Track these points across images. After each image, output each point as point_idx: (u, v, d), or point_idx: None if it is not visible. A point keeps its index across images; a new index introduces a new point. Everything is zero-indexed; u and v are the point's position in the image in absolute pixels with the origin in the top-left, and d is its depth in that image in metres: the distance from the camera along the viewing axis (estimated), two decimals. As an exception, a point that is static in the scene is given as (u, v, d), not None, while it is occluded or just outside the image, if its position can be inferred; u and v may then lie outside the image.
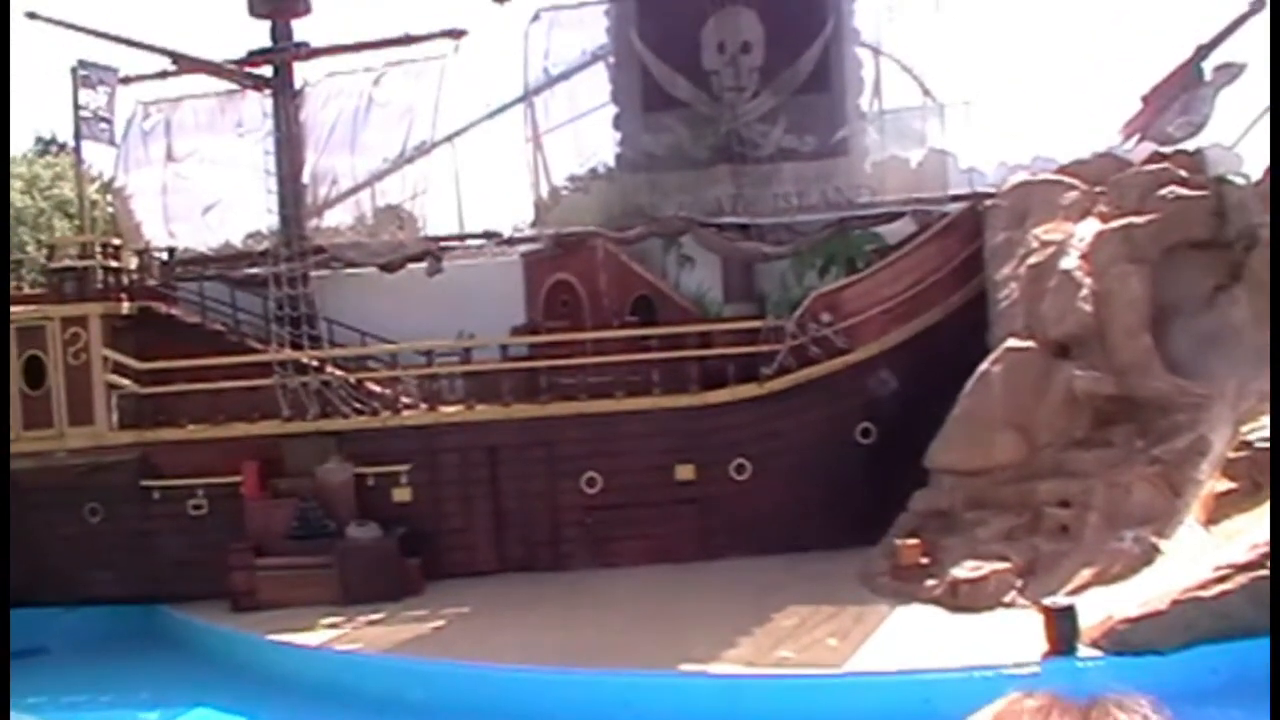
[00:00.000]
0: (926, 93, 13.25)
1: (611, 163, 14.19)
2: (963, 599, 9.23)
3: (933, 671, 7.97)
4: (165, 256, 15.12)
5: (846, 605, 9.90)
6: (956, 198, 12.77)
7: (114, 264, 13.76)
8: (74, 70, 13.10)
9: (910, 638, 9.01)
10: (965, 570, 9.53)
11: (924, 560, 10.04)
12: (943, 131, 13.21)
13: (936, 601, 9.60)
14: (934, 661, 8.19)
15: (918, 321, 12.25)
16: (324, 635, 11.04)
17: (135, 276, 14.40)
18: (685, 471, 12.71)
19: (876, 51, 13.39)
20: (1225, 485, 7.62)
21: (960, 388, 10.98)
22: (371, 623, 11.30)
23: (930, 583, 9.81)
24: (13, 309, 12.81)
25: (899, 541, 10.56)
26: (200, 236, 15.45)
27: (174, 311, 14.63)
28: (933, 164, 13.16)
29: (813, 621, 9.70)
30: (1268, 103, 10.52)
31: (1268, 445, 7.18)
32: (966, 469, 10.71)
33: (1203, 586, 6.48)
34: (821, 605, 10.04)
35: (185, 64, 14.10)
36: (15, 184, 20.50)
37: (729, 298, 13.97)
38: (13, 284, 15.41)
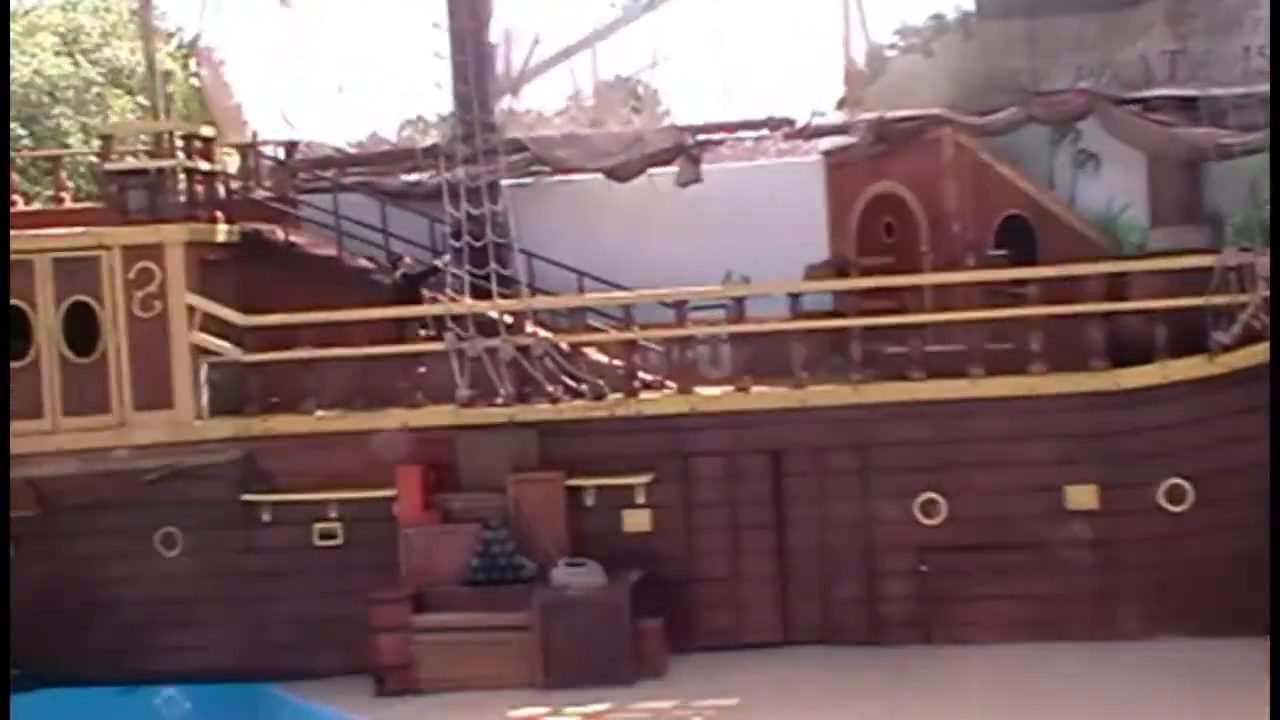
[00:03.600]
0: None
1: (968, 5, 13.61)
2: None
3: None
4: (281, 155, 15.01)
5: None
6: None
7: (203, 165, 13.45)
8: None
9: None
10: None
11: None
12: None
13: None
14: None
15: None
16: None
17: (236, 185, 14.35)
18: (1082, 497, 11.87)
19: None
20: None
21: None
22: (589, 721, 10.55)
23: None
24: (45, 232, 12.49)
25: None
26: (334, 125, 15.80)
27: (296, 239, 15.10)
28: None
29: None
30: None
31: None
32: None
33: None
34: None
35: None
36: (46, 40, 18.15)
37: (1158, 220, 13.14)
38: (50, 194, 15.73)
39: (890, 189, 14.92)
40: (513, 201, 15.11)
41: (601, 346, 13.54)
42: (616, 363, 13.28)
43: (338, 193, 15.24)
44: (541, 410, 13.02)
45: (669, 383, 13.22)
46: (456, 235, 13.63)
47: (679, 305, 13.14)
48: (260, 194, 15.16)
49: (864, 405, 12.45)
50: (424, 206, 15.52)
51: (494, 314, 13.30)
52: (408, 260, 14.79)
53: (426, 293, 14.29)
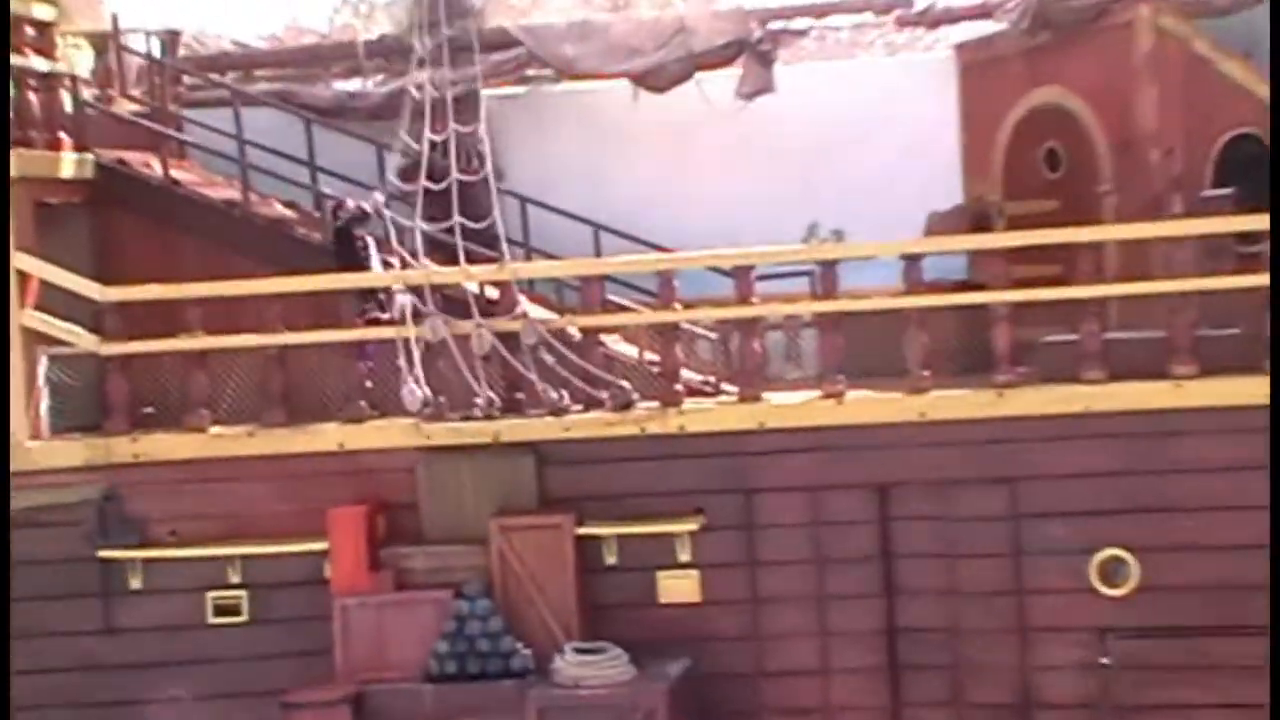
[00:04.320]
0: None
1: None
2: None
3: None
4: (157, 50, 15.96)
5: None
6: None
7: (37, 63, 13.54)
8: None
9: None
10: None
11: None
12: None
13: None
14: None
15: None
16: None
17: (90, 94, 14.51)
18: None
19: None
20: None
21: None
22: None
23: None
24: None
25: None
26: (235, 8, 16.78)
27: (179, 174, 15.29)
28: None
29: None
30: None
31: None
32: None
33: None
34: None
35: None
36: None
37: None
38: None
39: (1055, 99, 14.89)
40: (497, 122, 15.10)
41: (628, 333, 13.82)
42: (649, 357, 13.49)
43: (241, 107, 15.39)
44: (540, 425, 13.12)
45: (726, 386, 13.45)
46: (413, 171, 13.86)
47: (740, 273, 13.20)
48: (127, 108, 15.39)
49: (1013, 420, 12.51)
50: (369, 129, 15.72)
51: (469, 285, 13.53)
52: (352, 204, 14.64)
53: (374, 253, 14.46)
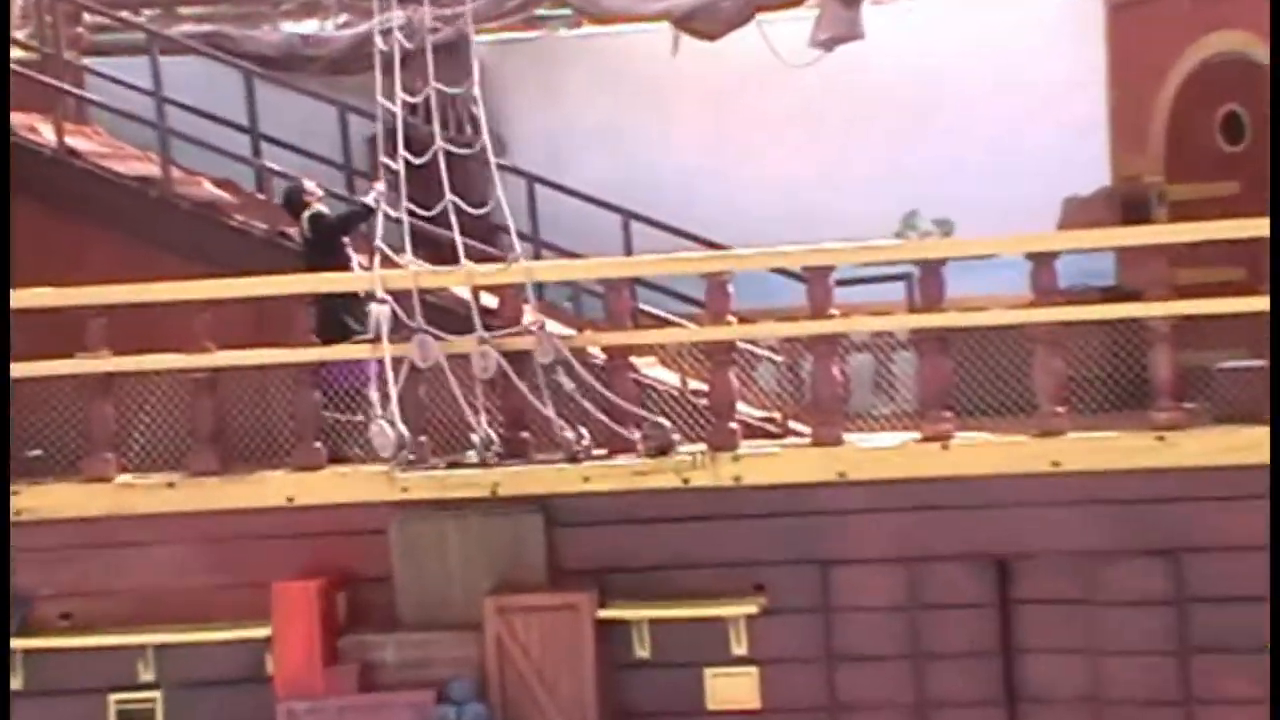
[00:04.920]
0: None
1: None
2: None
3: None
4: None
5: None
6: None
7: None
8: None
9: None
10: None
11: None
12: None
13: None
14: None
15: None
16: None
17: None
18: None
19: None
20: None
21: None
22: None
23: None
24: None
25: None
26: None
27: (80, 143, 15.43)
28: None
29: None
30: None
31: None
32: None
33: None
34: None
35: None
36: None
37: None
38: None
39: (1236, 48, 14.86)
40: (497, 77, 15.25)
41: (667, 355, 14.02)
42: (694, 386, 13.71)
43: (160, 55, 15.51)
44: (551, 475, 13.28)
45: (795, 425, 13.64)
46: (386, 141, 14.05)
47: (815, 277, 13.36)
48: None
49: (1178, 473, 12.61)
50: (328, 85, 15.91)
51: (460, 291, 13.79)
52: (312, 189, 14.65)
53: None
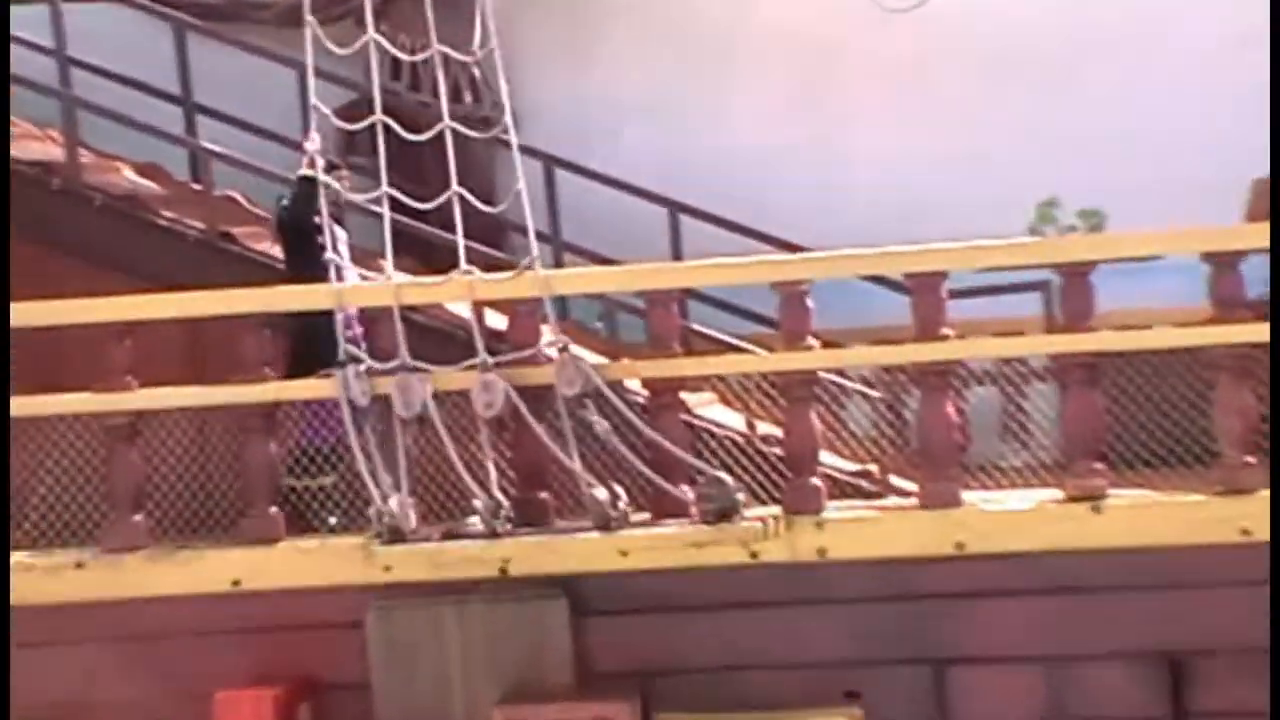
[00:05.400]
0: None
1: None
2: None
3: None
4: None
5: None
6: None
7: None
8: None
9: None
10: None
11: None
12: None
13: None
14: None
15: None
16: None
17: None
18: None
19: None
20: None
21: None
22: None
23: None
24: None
25: None
26: None
27: None
28: None
29: None
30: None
31: None
32: None
33: None
34: None
35: None
36: None
37: None
38: None
39: None
40: (508, 29, 14.81)
41: (727, 388, 14.16)
42: (764, 430, 13.78)
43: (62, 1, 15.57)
44: (579, 548, 13.19)
45: (897, 480, 13.75)
46: (360, 113, 14.10)
47: (922, 286, 13.27)
48: None
49: None
50: (285, 42, 15.71)
51: (458, 308, 14.05)
52: (315, 145, 14.28)
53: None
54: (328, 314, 13.66)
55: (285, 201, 14.55)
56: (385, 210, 13.91)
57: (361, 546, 13.34)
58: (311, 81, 14.11)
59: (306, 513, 14.08)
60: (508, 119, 14.13)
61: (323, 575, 13.48)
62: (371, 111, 14.00)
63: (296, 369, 13.91)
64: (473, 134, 14.37)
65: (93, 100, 15.76)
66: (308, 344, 13.96)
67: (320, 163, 14.02)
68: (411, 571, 13.28)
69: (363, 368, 13.45)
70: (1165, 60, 16.23)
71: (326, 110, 14.09)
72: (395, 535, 13.28)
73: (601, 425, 13.39)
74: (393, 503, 13.31)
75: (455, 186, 13.77)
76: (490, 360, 13.45)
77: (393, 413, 13.36)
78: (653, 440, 13.40)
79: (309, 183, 14.08)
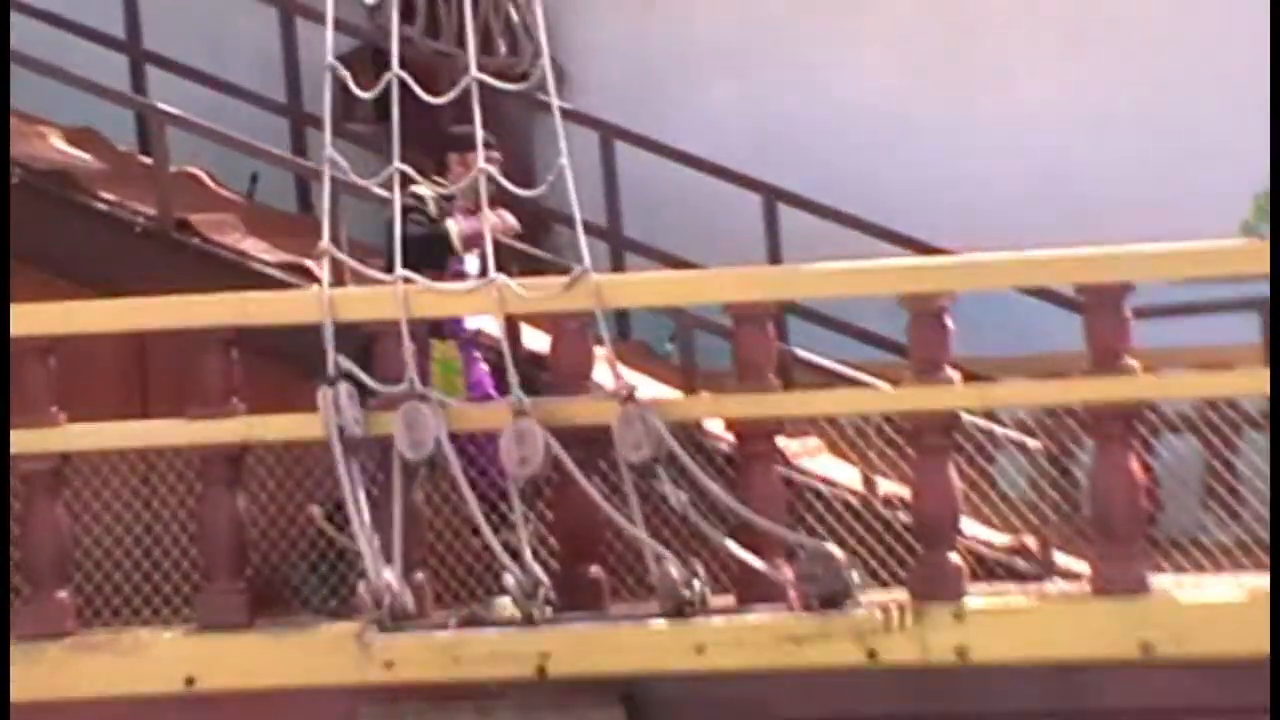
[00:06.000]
0: None
1: None
2: None
3: None
4: None
5: None
6: None
7: None
8: None
9: None
10: None
11: None
12: None
13: None
14: None
15: None
16: None
17: None
18: None
19: None
20: None
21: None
22: None
23: None
24: None
25: None
26: None
27: None
28: None
29: None
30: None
31: None
32: None
33: None
34: None
35: None
36: None
37: None
38: None
39: None
40: None
41: (839, 433, 14.39)
42: (886, 488, 14.13)
43: None
44: (641, 639, 13.38)
45: (1061, 558, 14.01)
46: (357, 61, 14.51)
47: (1095, 301, 13.42)
48: None
49: None
50: None
51: (484, 323, 14.28)
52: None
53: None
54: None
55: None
56: (396, 195, 13.97)
57: (355, 635, 13.34)
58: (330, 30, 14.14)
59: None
60: (545, 68, 14.12)
61: (302, 673, 13.49)
62: (372, 64, 13.97)
63: None
64: (506, 87, 14.45)
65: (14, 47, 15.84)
66: None
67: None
68: (420, 669, 13.30)
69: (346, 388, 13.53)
70: None
71: (343, 71, 14.09)
72: (399, 621, 13.29)
73: (678, 497, 13.44)
74: (388, 575, 13.34)
75: (482, 163, 13.81)
76: (524, 400, 13.48)
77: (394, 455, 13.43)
78: (738, 504, 13.43)
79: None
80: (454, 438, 13.65)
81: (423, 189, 14.42)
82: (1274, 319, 13.16)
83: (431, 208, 14.35)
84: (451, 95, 14.02)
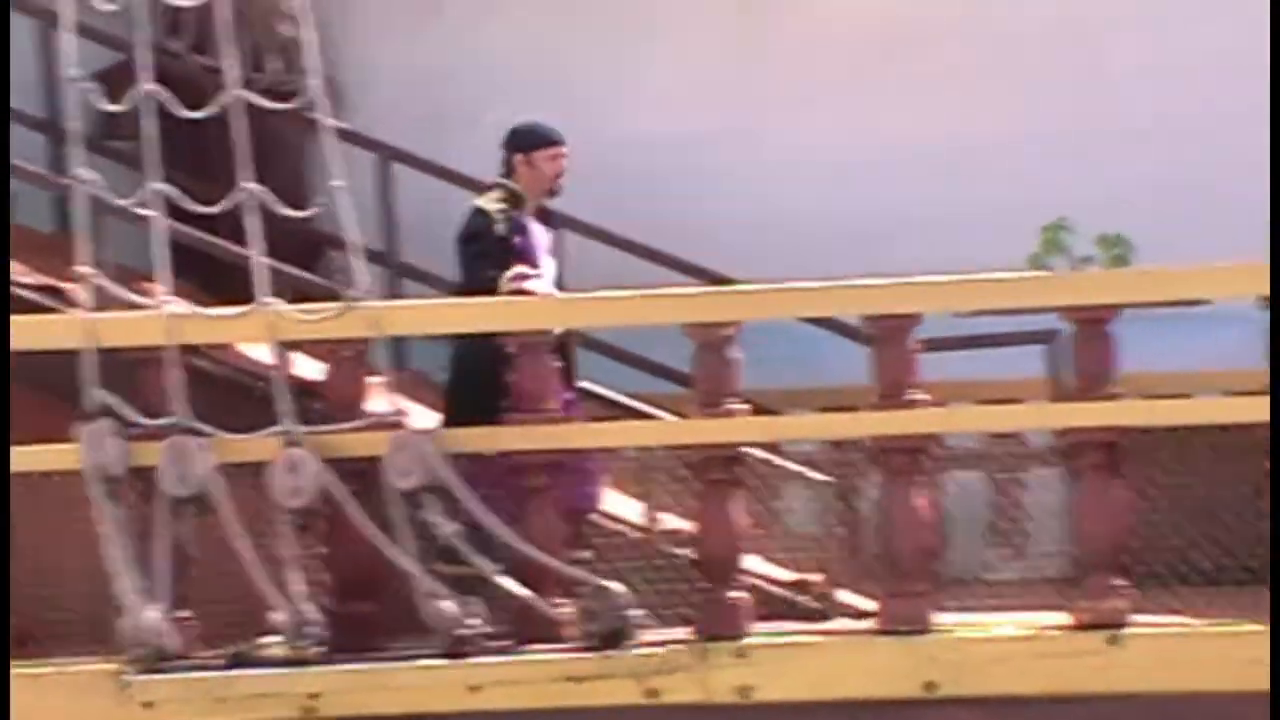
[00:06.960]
0: None
1: None
2: None
3: None
4: None
5: None
6: None
7: None
8: None
9: None
10: None
11: None
12: None
13: None
14: None
15: None
16: None
17: None
18: None
19: None
20: None
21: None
22: None
23: None
24: None
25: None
26: None
27: None
28: None
29: None
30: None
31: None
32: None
33: None
34: None
35: None
36: None
37: None
38: None
39: None
40: None
41: (618, 468, 14.45)
42: (669, 522, 14.16)
43: None
44: (415, 679, 13.30)
45: (846, 595, 14.12)
46: (123, 75, 14.30)
47: (885, 333, 13.44)
48: None
49: None
50: None
51: (255, 351, 14.19)
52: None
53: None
54: (490, 346, 13.92)
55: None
56: (158, 214, 13.74)
57: (112, 675, 13.18)
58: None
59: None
60: (315, 87, 13.97)
61: (60, 715, 13.34)
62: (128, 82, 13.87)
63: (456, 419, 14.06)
64: (271, 105, 14.20)
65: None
66: (466, 389, 14.24)
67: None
68: (182, 711, 13.19)
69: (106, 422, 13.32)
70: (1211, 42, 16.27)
71: (89, 82, 13.93)
72: (159, 661, 13.12)
73: (446, 529, 13.37)
74: (148, 614, 13.14)
75: (246, 182, 13.66)
76: (297, 429, 13.39)
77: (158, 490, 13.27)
78: (514, 537, 13.35)
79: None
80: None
81: (482, 201, 14.60)
82: (1274, 326, 13.10)
83: (500, 224, 14.52)
84: (209, 111, 13.87)
